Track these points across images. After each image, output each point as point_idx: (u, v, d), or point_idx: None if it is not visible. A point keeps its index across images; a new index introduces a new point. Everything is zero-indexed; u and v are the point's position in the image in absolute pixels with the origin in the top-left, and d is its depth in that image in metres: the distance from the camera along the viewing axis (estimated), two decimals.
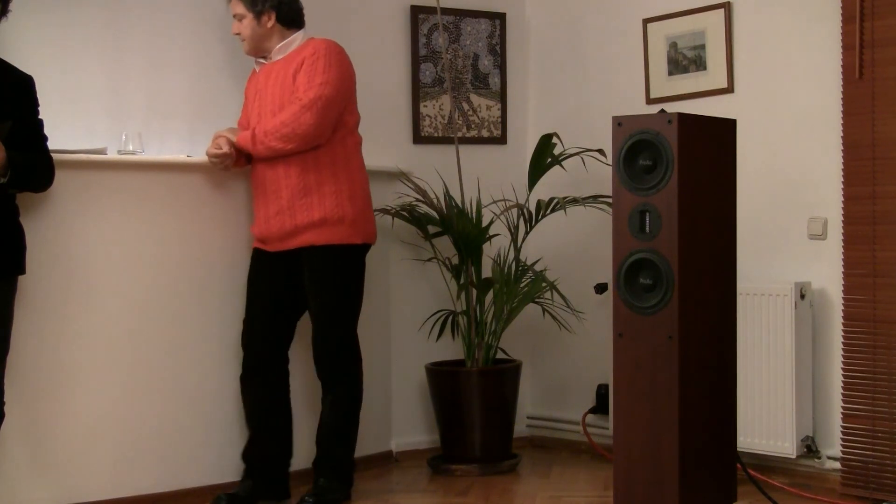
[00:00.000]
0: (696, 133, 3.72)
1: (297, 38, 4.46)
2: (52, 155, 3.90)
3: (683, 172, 3.63)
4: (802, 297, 4.52)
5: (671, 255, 3.63)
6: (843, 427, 4.43)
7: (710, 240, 3.78)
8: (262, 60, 4.51)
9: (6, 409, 3.81)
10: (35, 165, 3.80)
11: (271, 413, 4.48)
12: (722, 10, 4.86)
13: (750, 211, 4.53)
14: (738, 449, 4.00)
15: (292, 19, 4.46)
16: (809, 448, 4.52)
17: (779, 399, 4.52)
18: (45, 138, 3.89)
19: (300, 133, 4.25)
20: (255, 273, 4.49)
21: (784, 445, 4.52)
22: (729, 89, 4.87)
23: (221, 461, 4.54)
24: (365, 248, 4.47)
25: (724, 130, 3.89)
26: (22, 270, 3.83)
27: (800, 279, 4.57)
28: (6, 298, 3.78)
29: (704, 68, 4.94)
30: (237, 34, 4.47)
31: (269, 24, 4.41)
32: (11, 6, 3.77)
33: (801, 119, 4.66)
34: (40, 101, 3.88)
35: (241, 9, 4.41)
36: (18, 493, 4.08)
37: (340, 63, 4.36)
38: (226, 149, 4.35)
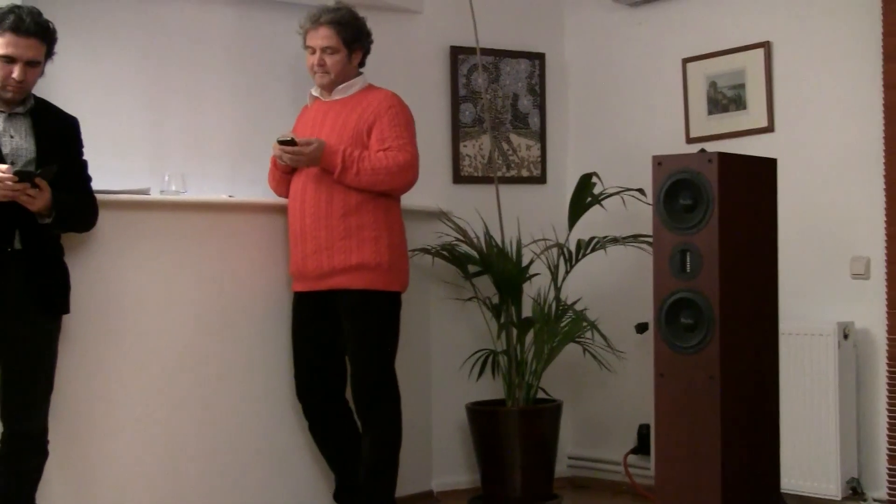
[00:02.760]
0: (737, 172, 3.71)
1: (359, 81, 4.48)
2: (96, 195, 3.94)
3: (724, 212, 3.62)
4: (846, 337, 4.48)
5: (712, 295, 3.62)
6: (888, 469, 4.38)
7: (751, 279, 3.76)
8: (315, 94, 4.53)
9: (49, 447, 3.84)
10: (79, 206, 3.85)
11: (347, 454, 4.51)
12: (762, 50, 4.86)
13: (791, 250, 4.49)
14: (782, 490, 3.95)
15: (365, 61, 4.52)
16: (855, 490, 4.47)
17: (822, 440, 4.47)
18: (89, 179, 3.93)
19: (397, 186, 4.36)
20: (298, 321, 4.49)
21: (829, 487, 4.46)
22: (769, 128, 4.85)
23: (264, 500, 4.55)
24: (399, 294, 4.45)
25: (765, 169, 3.88)
26: (66, 310, 3.87)
27: (842, 319, 4.53)
28: (51, 337, 3.82)
29: (744, 107, 4.93)
30: (320, 66, 4.39)
31: (356, 62, 4.47)
32: (56, 48, 3.83)
33: (843, 158, 4.64)
34: (84, 142, 3.93)
35: (334, 42, 4.37)
36: None
37: (412, 119, 4.48)
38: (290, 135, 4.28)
